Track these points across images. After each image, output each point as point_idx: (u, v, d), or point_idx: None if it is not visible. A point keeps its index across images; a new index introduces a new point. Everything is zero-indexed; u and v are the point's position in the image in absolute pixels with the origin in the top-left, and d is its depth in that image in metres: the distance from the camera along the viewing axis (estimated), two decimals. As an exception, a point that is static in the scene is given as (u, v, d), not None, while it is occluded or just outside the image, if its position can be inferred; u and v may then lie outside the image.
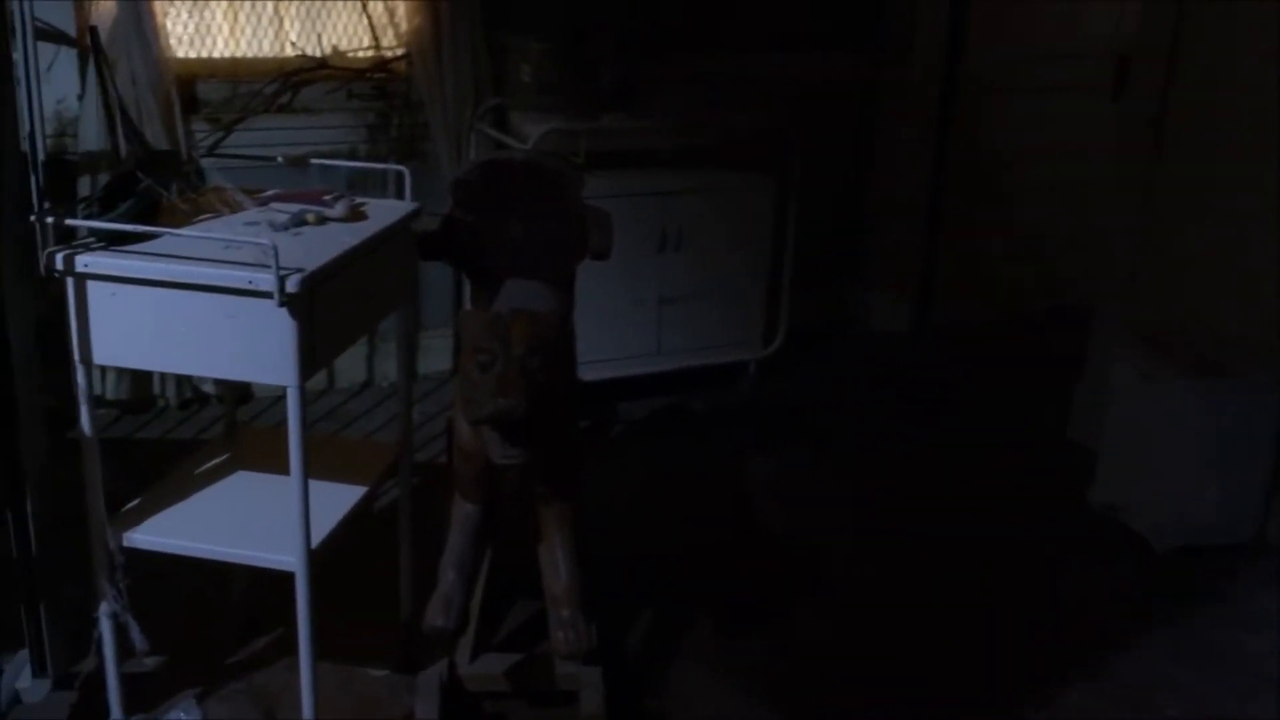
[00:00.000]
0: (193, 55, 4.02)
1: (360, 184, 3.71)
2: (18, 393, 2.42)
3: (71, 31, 3.63)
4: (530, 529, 2.58)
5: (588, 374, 3.87)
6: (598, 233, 2.70)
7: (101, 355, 2.19)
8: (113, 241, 2.16)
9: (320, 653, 2.35)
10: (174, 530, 2.36)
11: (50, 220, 2.18)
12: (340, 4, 4.16)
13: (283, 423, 2.19)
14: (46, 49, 3.61)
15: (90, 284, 2.13)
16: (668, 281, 4.23)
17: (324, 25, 4.17)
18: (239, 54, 4.09)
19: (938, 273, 5.19)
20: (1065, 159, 5.14)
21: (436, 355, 4.45)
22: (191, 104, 3.95)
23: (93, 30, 2.80)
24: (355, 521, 2.46)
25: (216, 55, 4.06)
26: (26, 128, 2.52)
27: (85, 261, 2.11)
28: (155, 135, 3.71)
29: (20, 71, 2.46)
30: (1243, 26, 3.55)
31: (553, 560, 2.53)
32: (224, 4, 4.03)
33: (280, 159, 2.78)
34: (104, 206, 2.19)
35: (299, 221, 2.33)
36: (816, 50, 4.78)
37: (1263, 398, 3.45)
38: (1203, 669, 3.01)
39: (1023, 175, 5.15)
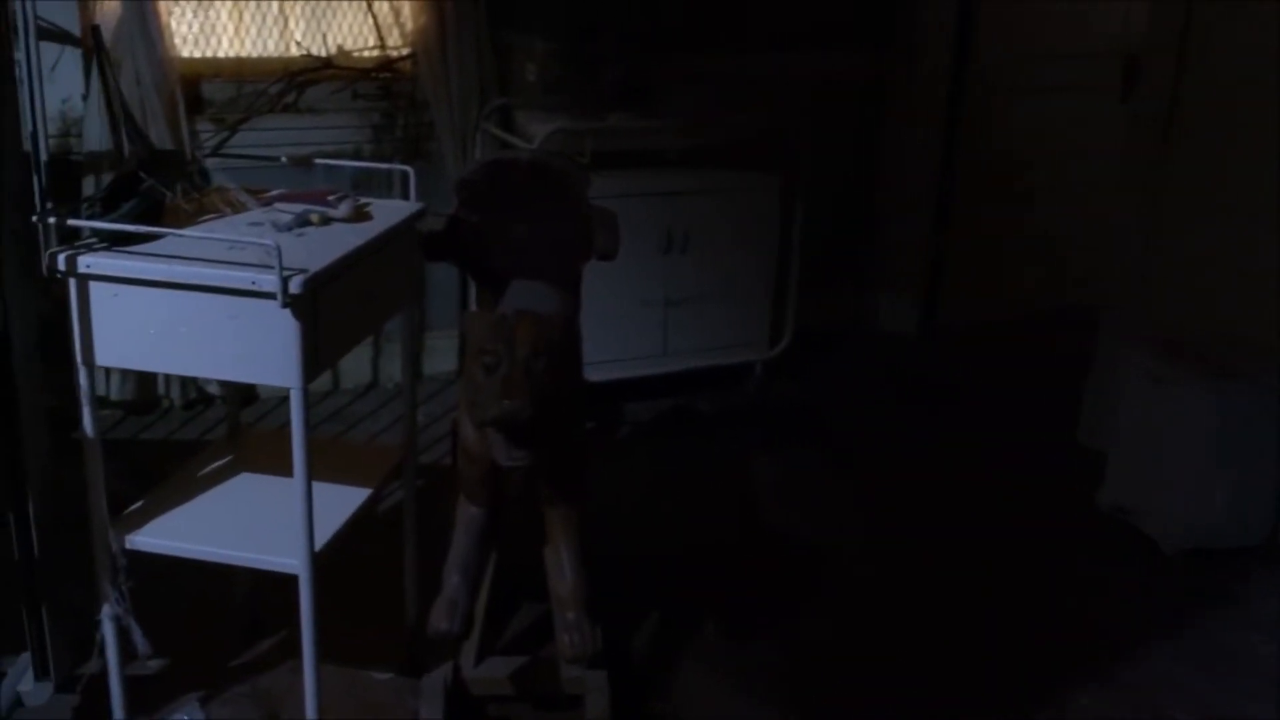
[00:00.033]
0: (197, 55, 4.01)
1: (365, 184, 3.70)
2: (19, 394, 2.41)
3: (76, 31, 3.62)
4: (536, 531, 2.57)
5: (594, 375, 3.86)
6: (603, 233, 2.69)
7: (104, 356, 2.18)
8: (115, 242, 2.15)
9: (324, 655, 2.34)
10: (177, 532, 2.35)
11: (53, 220, 2.16)
12: (345, 4, 4.15)
13: (287, 424, 2.17)
14: (51, 49, 3.60)
15: (92, 285, 2.12)
16: (674, 282, 4.22)
17: (329, 25, 4.15)
18: (244, 54, 4.08)
19: (945, 273, 5.17)
20: (1073, 159, 5.12)
21: (442, 356, 4.44)
22: (196, 104, 3.94)
23: (95, 29, 2.79)
24: (359, 524, 2.45)
25: (221, 55, 4.05)
26: (29, 127, 2.50)
27: (87, 262, 2.10)
28: (160, 135, 3.70)
29: (23, 71, 2.43)
30: (1251, 26, 3.53)
31: (558, 563, 2.52)
32: (229, 4, 4.02)
33: (284, 159, 2.76)
34: (106, 207, 2.17)
35: (303, 222, 2.32)
36: (824, 50, 4.76)
37: (1273, 399, 3.42)
38: (1213, 673, 2.99)
39: (1030, 175, 5.13)
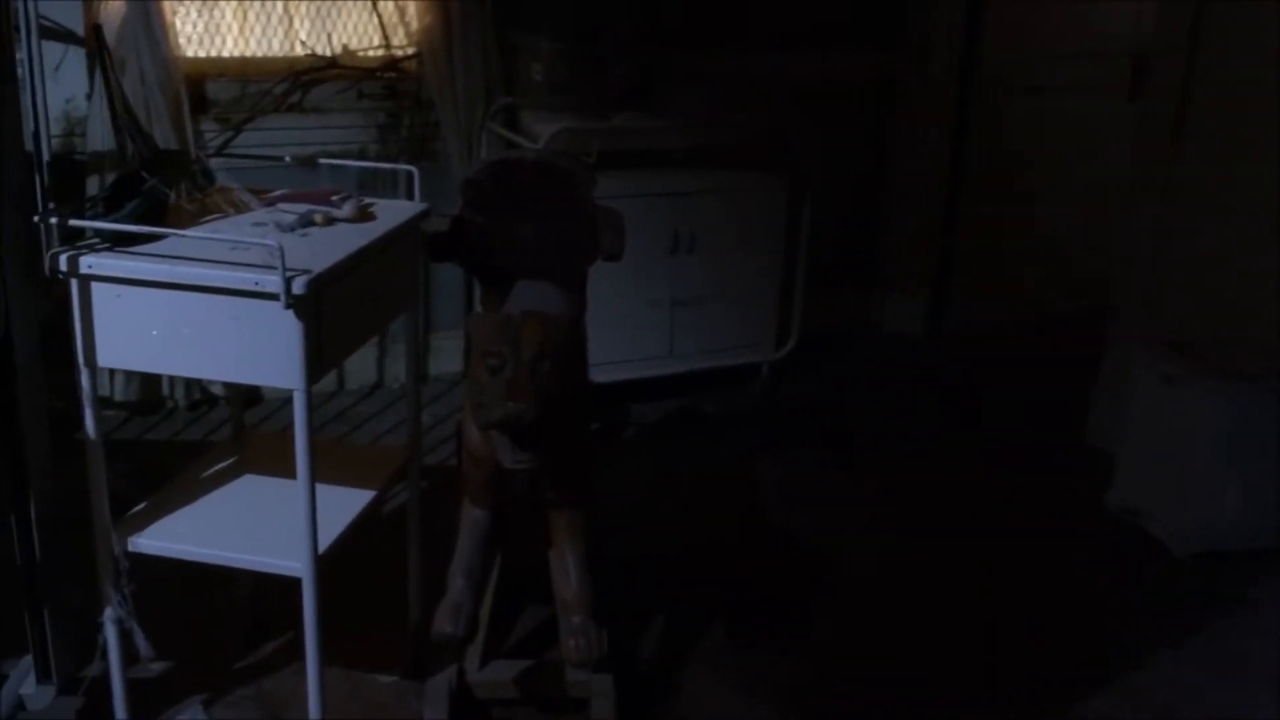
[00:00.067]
0: (202, 54, 3.99)
1: (370, 184, 3.68)
2: (21, 395, 2.39)
3: (80, 31, 3.61)
4: (540, 534, 2.55)
5: (599, 376, 3.86)
6: (610, 234, 2.67)
7: (106, 358, 2.17)
8: (118, 242, 2.13)
9: (328, 658, 2.32)
10: (179, 535, 2.33)
11: (55, 220, 2.15)
12: (350, 3, 4.14)
13: (291, 425, 2.15)
14: (55, 48, 3.59)
15: (94, 285, 2.11)
16: (680, 283, 4.20)
17: (334, 24, 4.14)
18: (248, 53, 4.06)
19: (952, 274, 5.15)
20: (1082, 159, 5.10)
21: (447, 357, 4.42)
22: (200, 104, 3.92)
23: (97, 28, 2.78)
24: (363, 526, 2.43)
25: (226, 54, 4.04)
26: (31, 127, 2.49)
27: (89, 263, 2.09)
28: (164, 135, 3.69)
29: (25, 70, 2.42)
30: (1261, 25, 3.51)
31: (563, 566, 2.50)
32: (233, 3, 4.00)
33: (288, 159, 2.75)
34: (109, 207, 2.16)
35: (306, 222, 2.30)
36: (832, 49, 4.74)
37: (1284, 401, 3.40)
38: (1224, 677, 2.97)
39: (1039, 175, 5.11)
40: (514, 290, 2.61)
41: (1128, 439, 3.68)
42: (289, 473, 2.20)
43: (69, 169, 3.64)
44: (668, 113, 4.11)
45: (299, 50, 4.09)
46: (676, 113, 4.13)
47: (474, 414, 2.24)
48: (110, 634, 2.35)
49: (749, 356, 4.43)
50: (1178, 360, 3.52)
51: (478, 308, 3.34)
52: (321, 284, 2.06)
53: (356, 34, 4.18)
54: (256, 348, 2.09)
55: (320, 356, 2.14)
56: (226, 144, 3.92)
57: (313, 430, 2.16)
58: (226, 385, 3.68)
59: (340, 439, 3.89)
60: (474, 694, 2.66)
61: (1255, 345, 3.51)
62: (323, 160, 2.86)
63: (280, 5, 4.06)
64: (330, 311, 2.13)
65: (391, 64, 4.17)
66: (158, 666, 2.66)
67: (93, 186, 3.59)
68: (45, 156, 2.42)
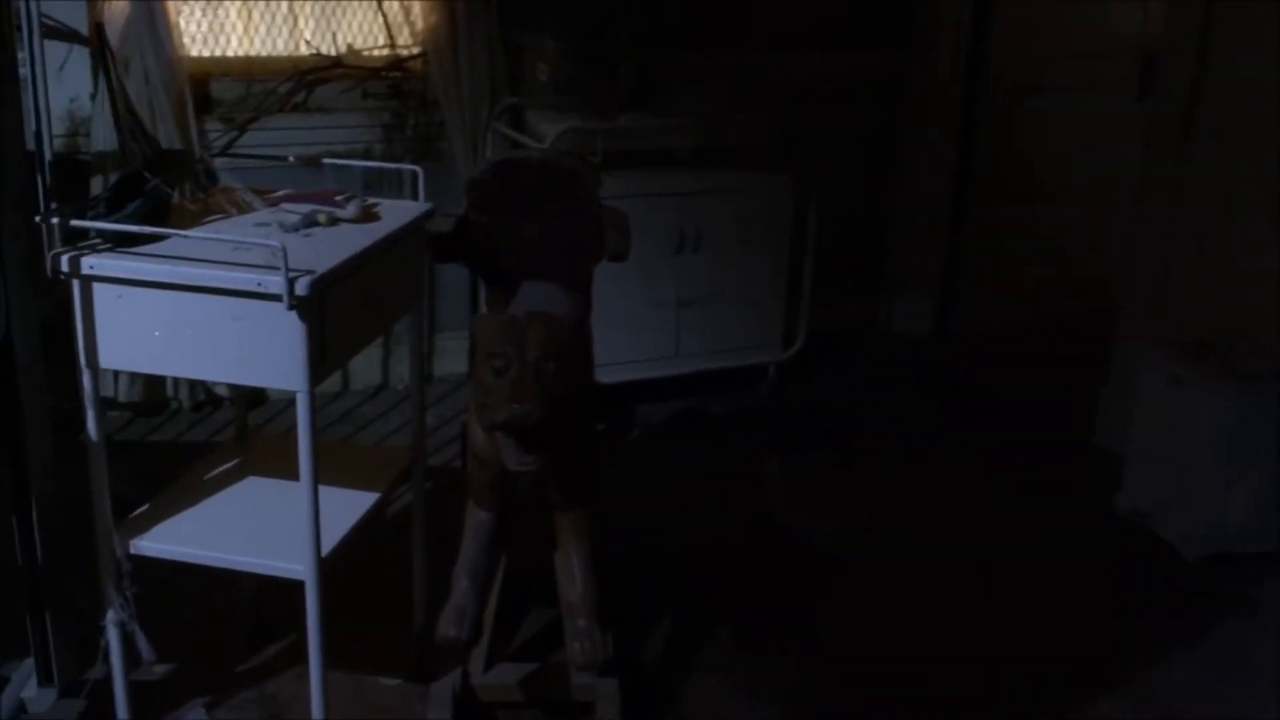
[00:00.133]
0: (206, 54, 3.99)
1: (375, 184, 3.68)
2: (22, 397, 2.38)
3: (85, 30, 3.60)
4: (546, 536, 2.54)
5: (605, 377, 3.84)
6: (615, 234, 2.66)
7: (108, 359, 2.15)
8: (119, 243, 2.12)
9: (331, 661, 2.31)
10: (182, 537, 2.32)
11: (56, 221, 2.13)
12: (355, 2, 4.13)
13: (295, 427, 2.14)
14: (59, 48, 3.59)
15: (96, 286, 2.10)
16: (686, 283, 4.18)
17: (339, 24, 4.13)
18: (253, 53, 4.05)
19: (960, 274, 5.13)
20: (1089, 159, 5.08)
21: (452, 358, 4.41)
22: (205, 103, 3.92)
23: (99, 28, 2.77)
24: (367, 528, 2.42)
25: (230, 54, 4.03)
26: (33, 126, 2.48)
27: (91, 263, 2.07)
28: (168, 135, 3.68)
29: (27, 70, 2.41)
30: (1270, 24, 3.48)
31: (568, 568, 2.49)
32: (238, 2, 4.00)
33: (292, 159, 2.74)
34: (111, 207, 2.15)
35: (310, 222, 2.29)
36: (839, 49, 4.72)
37: (1295, 402, 3.38)
38: (1234, 680, 2.95)
39: (1046, 175, 5.09)
40: (519, 291, 2.60)
41: (1136, 441, 3.66)
42: (293, 474, 2.18)
43: (73, 169, 3.63)
44: (673, 112, 4.10)
45: (304, 50, 4.08)
46: (682, 112, 4.12)
47: (478, 415, 2.22)
48: (112, 636, 2.34)
49: (755, 357, 4.41)
50: (1185, 361, 3.49)
51: (483, 308, 3.33)
52: (325, 285, 2.05)
53: (361, 33, 4.17)
54: (259, 349, 2.08)
55: (323, 358, 2.12)
56: (231, 144, 3.91)
57: (317, 431, 2.14)
58: (230, 386, 3.67)
59: (345, 440, 3.88)
60: (478, 697, 2.65)
61: (1263, 346, 3.48)
62: (327, 160, 2.86)
63: (285, 4, 4.05)
64: (334, 312, 2.11)
65: (396, 63, 4.16)
66: (160, 669, 2.65)
67: (97, 187, 3.59)
68: (47, 156, 2.41)
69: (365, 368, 4.30)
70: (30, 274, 2.37)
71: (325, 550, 2.22)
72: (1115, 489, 3.69)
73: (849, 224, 4.83)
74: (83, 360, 2.14)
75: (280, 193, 2.46)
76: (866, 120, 4.91)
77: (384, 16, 4.15)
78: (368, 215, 2.39)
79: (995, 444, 4.16)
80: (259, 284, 2.00)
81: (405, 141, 4.18)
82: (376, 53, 4.18)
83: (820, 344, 4.53)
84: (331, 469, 2.35)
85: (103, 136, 3.60)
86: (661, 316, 4.19)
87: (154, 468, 3.20)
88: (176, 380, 4.02)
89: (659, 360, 4.24)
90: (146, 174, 2.20)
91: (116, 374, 3.84)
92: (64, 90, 3.64)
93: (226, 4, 3.97)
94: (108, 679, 2.42)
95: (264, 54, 4.06)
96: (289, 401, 3.15)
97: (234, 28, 4.02)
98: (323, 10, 4.10)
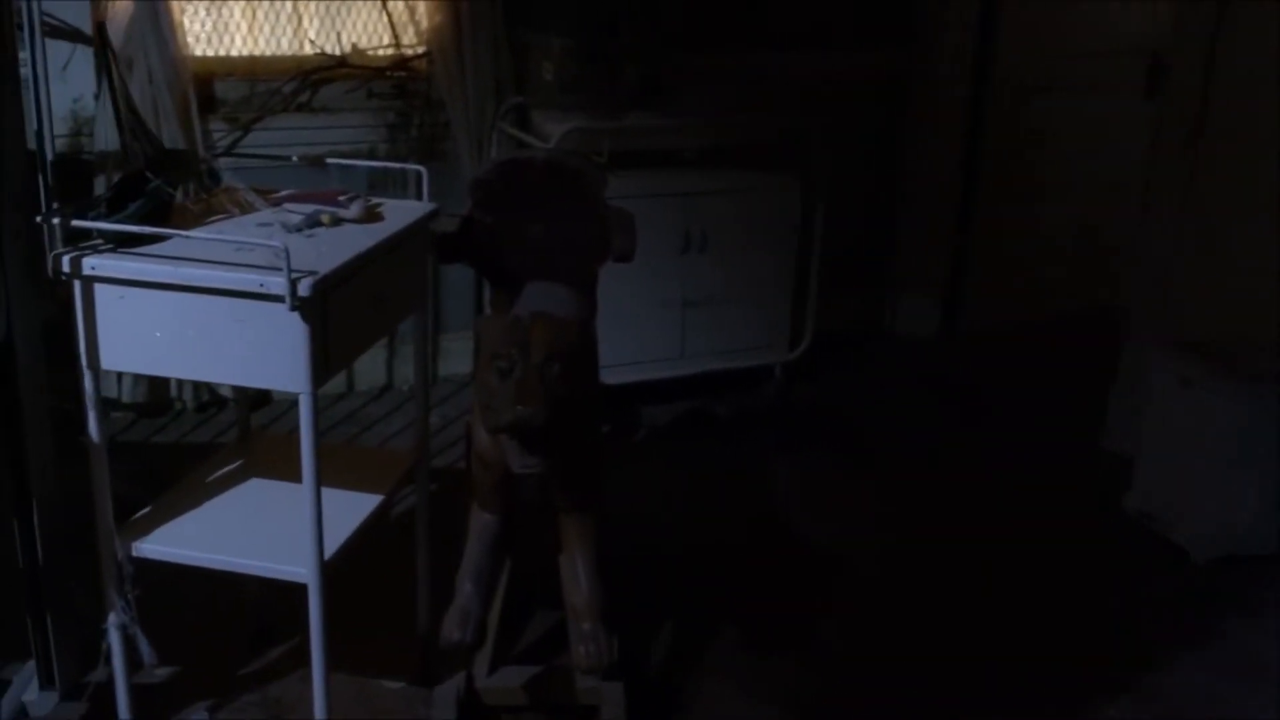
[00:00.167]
0: (210, 53, 3.97)
1: (380, 184, 3.66)
2: (23, 398, 2.37)
3: (88, 30, 3.58)
4: (550, 539, 2.52)
5: (610, 378, 3.83)
6: (620, 234, 2.65)
7: (110, 360, 2.14)
8: (121, 243, 2.11)
9: (335, 664, 2.30)
10: (184, 540, 2.30)
11: (57, 221, 2.12)
12: (360, 2, 4.12)
13: (299, 428, 2.12)
14: (63, 47, 3.58)
15: (98, 287, 2.09)
16: (692, 284, 4.17)
17: (343, 23, 4.12)
18: (257, 52, 4.04)
19: (967, 274, 5.11)
20: (1096, 159, 5.06)
21: (457, 358, 4.40)
22: (209, 103, 3.90)
23: (100, 27, 2.75)
24: (371, 530, 2.40)
25: (234, 54, 4.02)
26: (34, 126, 2.47)
27: (92, 264, 2.06)
28: (172, 135, 3.67)
29: (29, 69, 2.40)
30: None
31: (573, 571, 2.47)
32: (242, 2, 3.98)
33: (295, 159, 2.72)
34: (112, 207, 2.13)
35: (313, 223, 2.27)
36: (845, 48, 4.70)
37: (1305, 404, 3.36)
38: (1244, 683, 2.93)
39: (1053, 176, 5.07)
40: (524, 291, 2.58)
41: (1145, 442, 3.64)
42: (296, 476, 2.17)
43: (77, 169, 3.62)
44: (679, 112, 4.09)
45: (308, 49, 4.07)
46: (688, 112, 4.11)
47: (482, 417, 2.21)
48: (114, 639, 2.32)
49: (761, 358, 4.40)
50: (1195, 362, 3.48)
51: (487, 309, 3.32)
52: (327, 286, 2.04)
53: (366, 33, 4.15)
54: (261, 350, 2.06)
55: (326, 359, 2.11)
56: (235, 144, 3.90)
57: (321, 432, 2.13)
58: (234, 387, 3.65)
59: (349, 441, 3.87)
60: (483, 700, 2.63)
61: (1273, 347, 3.46)
62: (331, 160, 2.84)
63: (289, 4, 4.04)
64: (337, 313, 2.10)
65: (401, 63, 4.15)
66: (162, 672, 2.63)
67: (100, 187, 3.57)
68: (49, 156, 2.40)
69: (370, 368, 4.29)
70: (31, 274, 2.36)
71: (328, 553, 2.21)
72: (1123, 490, 3.67)
73: (855, 224, 4.81)
74: (84, 361, 2.13)
75: (283, 193, 2.44)
76: (872, 120, 4.89)
77: (389, 16, 4.14)
78: (371, 215, 2.38)
79: (1001, 445, 4.14)
80: (261, 285, 1.99)
81: (410, 141, 4.17)
82: (381, 52, 4.16)
83: (826, 345, 4.51)
84: (335, 470, 2.33)
85: (106, 136, 3.59)
86: (667, 317, 4.17)
87: (157, 469, 3.19)
88: (180, 381, 4.00)
89: (664, 361, 4.22)
90: (148, 174, 2.19)
91: (120, 375, 3.83)
92: (68, 90, 3.63)
93: (231, 3, 3.96)
94: (109, 682, 2.41)
95: (268, 53, 4.05)
96: (293, 402, 3.14)
97: (238, 27, 4.00)
98: (327, 9, 4.09)
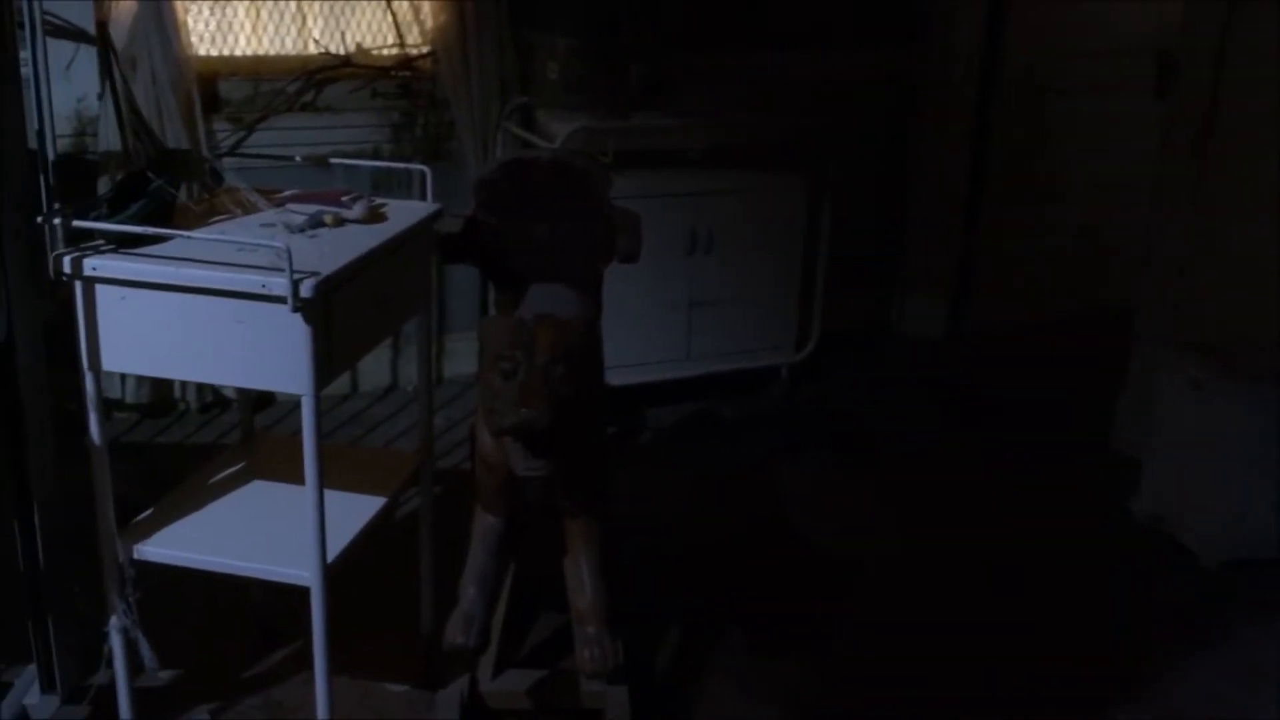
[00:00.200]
0: (214, 53, 3.96)
1: (384, 184, 3.65)
2: (24, 399, 2.35)
3: (92, 29, 3.57)
4: (555, 541, 2.50)
5: (615, 379, 3.82)
6: (626, 235, 2.63)
7: (111, 362, 2.13)
8: (122, 244, 2.09)
9: (338, 667, 2.29)
10: (185, 542, 2.29)
11: (58, 221, 2.10)
12: (364, 1, 4.10)
13: (301, 430, 2.11)
14: (67, 47, 3.57)
15: (99, 288, 2.07)
16: (698, 284, 4.15)
17: (347, 22, 4.10)
18: (261, 52, 4.03)
19: (974, 275, 5.09)
20: (1105, 159, 5.03)
21: (462, 359, 4.38)
22: (213, 103, 3.89)
23: (101, 26, 2.74)
24: (374, 532, 2.39)
25: (238, 53, 4.01)
26: (36, 125, 2.45)
27: (93, 265, 2.05)
28: (176, 134, 3.66)
29: (30, 69, 2.39)
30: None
31: (578, 575, 2.46)
32: (246, 1, 3.97)
33: (299, 159, 2.71)
34: (114, 207, 2.11)
35: (316, 223, 2.26)
36: (852, 48, 4.68)
37: (1316, 406, 3.33)
38: (1254, 688, 2.90)
39: (1061, 176, 5.06)
40: (528, 292, 2.57)
41: (1154, 445, 3.61)
42: (299, 477, 2.15)
43: (81, 169, 3.61)
44: (685, 112, 4.07)
45: (312, 49, 4.05)
46: (694, 112, 4.09)
47: (486, 420, 2.19)
48: (115, 642, 2.31)
49: (768, 359, 4.38)
50: (1205, 364, 3.45)
51: (492, 309, 3.30)
52: (330, 286, 2.02)
53: (370, 32, 4.14)
54: (263, 352, 2.05)
55: (329, 361, 2.09)
56: (239, 144, 3.88)
57: (325, 433, 2.12)
58: (237, 388, 3.64)
59: (353, 442, 3.85)
60: (486, 704, 2.62)
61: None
62: (335, 160, 2.83)
63: (294, 3, 4.03)
64: (339, 315, 2.08)
65: (406, 63, 4.13)
66: (165, 675, 2.62)
67: (104, 187, 3.56)
68: (50, 156, 2.38)
69: (375, 369, 4.28)
70: (32, 275, 2.34)
71: (331, 556, 2.19)
72: (1131, 492, 3.65)
73: (861, 225, 4.79)
74: (85, 363, 2.11)
75: (286, 193, 2.43)
76: (879, 120, 4.87)
77: (393, 15, 4.12)
78: (375, 216, 2.36)
79: (1008, 446, 4.12)
80: (263, 286, 1.98)
81: (415, 141, 4.15)
82: (386, 52, 4.15)
83: (833, 345, 4.49)
84: (339, 472, 2.32)
85: (110, 136, 3.58)
86: (673, 318, 4.15)
87: (161, 469, 3.18)
88: (184, 382, 3.99)
89: (670, 362, 4.21)
90: (150, 174, 2.17)
91: (124, 375, 3.82)
92: (71, 90, 3.62)
93: (235, 3, 3.95)
94: (111, 685, 2.40)
95: (272, 53, 4.04)
96: (297, 403, 3.14)
97: (242, 26, 3.99)
98: (331, 9, 4.07)
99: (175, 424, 3.98)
